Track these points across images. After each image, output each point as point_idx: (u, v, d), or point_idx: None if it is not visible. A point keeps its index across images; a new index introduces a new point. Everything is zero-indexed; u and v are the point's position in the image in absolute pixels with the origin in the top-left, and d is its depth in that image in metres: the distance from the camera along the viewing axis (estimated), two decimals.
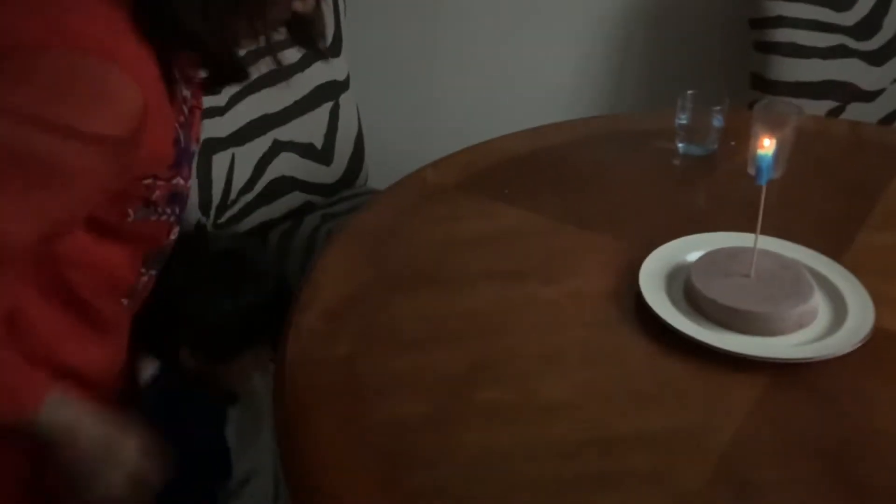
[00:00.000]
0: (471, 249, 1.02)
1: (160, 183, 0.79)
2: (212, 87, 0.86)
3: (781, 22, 1.60)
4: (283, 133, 1.52)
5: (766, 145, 0.82)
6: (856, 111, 1.62)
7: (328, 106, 1.60)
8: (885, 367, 0.82)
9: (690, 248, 0.95)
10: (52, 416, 0.74)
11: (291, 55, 1.54)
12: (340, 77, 1.64)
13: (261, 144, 1.50)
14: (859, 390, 0.80)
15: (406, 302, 0.92)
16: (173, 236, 0.87)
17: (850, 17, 1.60)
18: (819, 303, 0.87)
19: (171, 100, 0.78)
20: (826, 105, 1.62)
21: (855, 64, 1.61)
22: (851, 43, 1.60)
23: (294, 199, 1.57)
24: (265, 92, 1.50)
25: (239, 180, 1.46)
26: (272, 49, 0.80)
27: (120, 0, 0.71)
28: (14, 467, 0.81)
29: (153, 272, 0.89)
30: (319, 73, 1.59)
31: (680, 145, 1.25)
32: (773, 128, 1.12)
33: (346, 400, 0.78)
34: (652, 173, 1.22)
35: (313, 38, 0.86)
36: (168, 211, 0.82)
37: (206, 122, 1.39)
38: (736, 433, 0.74)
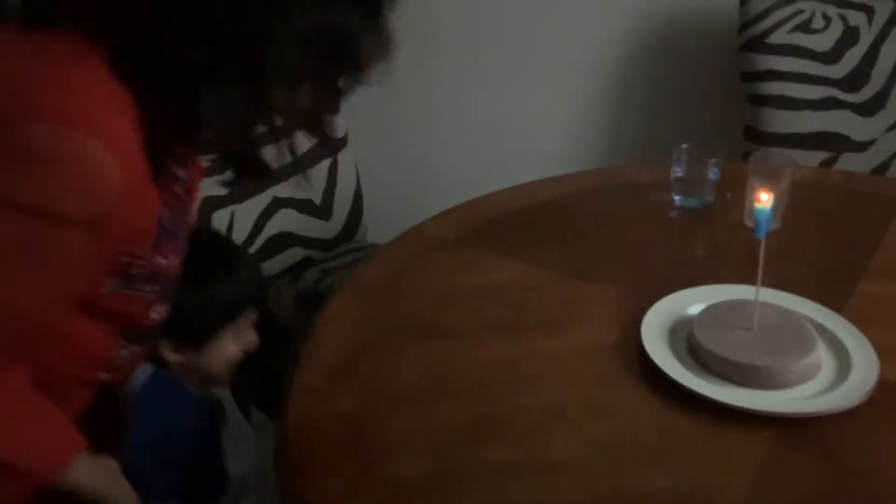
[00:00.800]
0: (473, 302, 1.02)
1: (138, 261, 0.77)
2: (234, 182, 0.85)
3: (772, 75, 1.63)
4: (282, 190, 1.53)
5: (764, 199, 0.83)
6: (848, 161, 1.64)
7: (327, 163, 1.62)
8: (892, 419, 0.82)
9: (691, 301, 0.95)
10: (78, 476, 0.77)
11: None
12: (339, 134, 1.66)
13: (260, 201, 1.51)
14: (868, 444, 0.79)
15: (409, 356, 0.91)
16: (156, 315, 0.84)
17: (838, 70, 1.63)
18: (823, 355, 0.87)
19: (157, 177, 0.75)
20: (819, 156, 1.64)
21: (846, 115, 1.63)
22: (841, 95, 1.63)
23: (294, 254, 1.57)
24: (264, 150, 1.52)
25: (238, 237, 1.46)
26: (290, 141, 0.81)
27: (110, 78, 0.69)
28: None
29: (137, 348, 0.87)
30: None
31: (676, 198, 1.26)
32: (768, 180, 1.13)
33: (350, 459, 0.77)
34: (650, 225, 1.23)
35: (326, 131, 0.87)
36: (146, 290, 0.80)
37: (205, 180, 1.40)
38: (748, 491, 0.73)
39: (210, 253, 0.99)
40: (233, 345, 1.01)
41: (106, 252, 0.73)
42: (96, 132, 0.67)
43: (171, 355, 0.98)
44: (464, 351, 0.92)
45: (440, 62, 1.94)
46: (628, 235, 1.20)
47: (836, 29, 1.63)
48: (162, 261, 0.80)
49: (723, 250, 1.16)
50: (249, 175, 0.82)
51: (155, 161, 0.73)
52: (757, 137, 1.66)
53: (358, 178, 1.69)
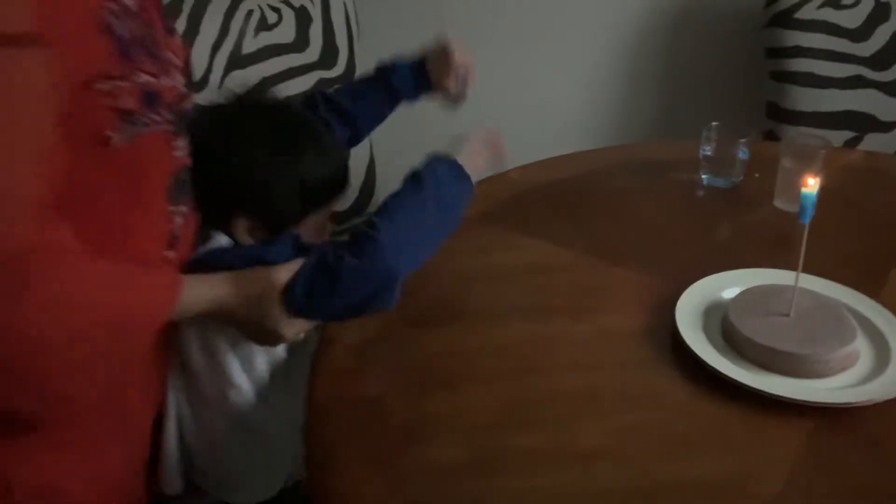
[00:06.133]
0: (497, 284, 0.99)
1: (121, 84, 0.68)
2: None
3: (798, 52, 1.59)
4: None
5: (812, 184, 0.80)
6: (874, 142, 1.61)
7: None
8: None
9: (726, 285, 0.93)
10: (194, 302, 0.76)
11: (306, 82, 1.53)
12: None
13: None
14: None
15: (434, 339, 0.89)
16: (179, 152, 0.77)
17: (867, 48, 1.59)
18: (861, 344, 0.85)
19: None
20: (844, 135, 1.61)
21: (873, 94, 1.60)
22: (868, 74, 1.59)
23: None
24: None
25: None
26: None
27: None
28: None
29: (184, 208, 0.80)
30: None
31: (704, 177, 1.23)
32: (801, 161, 1.10)
33: (378, 443, 0.75)
34: (676, 205, 1.20)
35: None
36: (154, 118, 0.72)
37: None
38: (786, 481, 0.71)
39: (295, 128, 0.89)
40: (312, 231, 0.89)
41: (66, 74, 0.65)
42: None
43: (244, 237, 0.87)
44: (491, 334, 0.90)
45: (456, 33, 1.90)
46: (655, 214, 1.17)
47: (867, 5, 1.59)
48: (149, 78, 0.72)
49: (753, 232, 1.13)
50: None
51: None
52: (780, 115, 1.63)
53: (371, 150, 1.66)
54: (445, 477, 0.72)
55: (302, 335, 0.84)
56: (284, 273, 0.80)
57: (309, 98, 1.08)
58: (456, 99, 1.11)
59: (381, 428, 0.76)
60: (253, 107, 0.91)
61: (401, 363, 0.85)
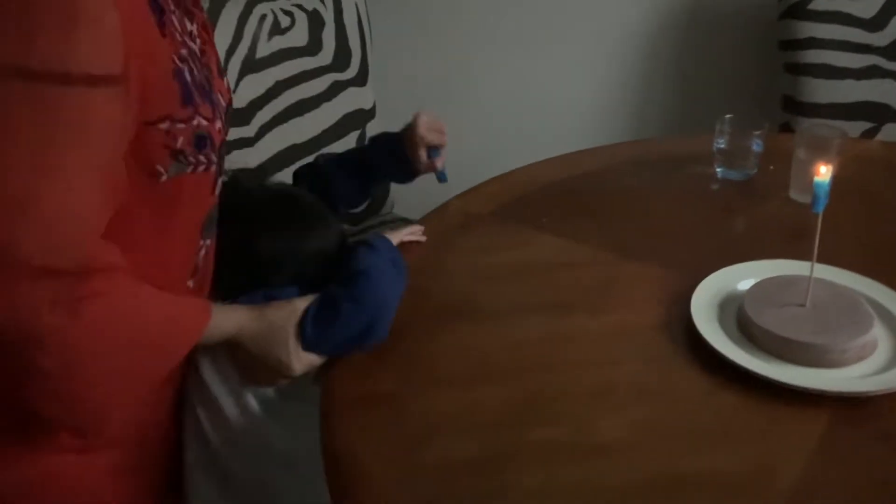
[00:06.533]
0: (512, 280, 1.00)
1: (179, 126, 0.73)
2: None
3: (813, 43, 1.58)
4: None
5: (823, 172, 0.79)
6: (891, 132, 1.59)
7: (355, 135, 1.60)
8: None
9: (741, 277, 0.93)
10: (219, 327, 0.80)
11: (319, 85, 1.54)
12: (367, 106, 1.63)
13: (287, 176, 1.48)
14: None
15: (449, 336, 0.89)
16: (216, 191, 0.82)
17: (882, 38, 1.58)
18: (878, 333, 0.84)
19: (161, 29, 0.72)
20: (860, 126, 1.60)
21: (889, 84, 1.58)
22: (885, 63, 1.58)
23: None
24: (293, 122, 1.50)
25: None
26: None
27: None
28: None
29: (209, 242, 0.84)
30: (346, 102, 1.58)
31: (718, 170, 1.22)
32: (816, 152, 1.10)
33: (394, 439, 0.76)
34: (691, 199, 1.20)
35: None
36: (201, 159, 0.76)
37: (236, 152, 1.38)
38: (803, 471, 0.71)
39: (290, 205, 0.95)
40: None
41: (136, 115, 0.69)
42: None
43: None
44: (505, 331, 0.90)
45: (467, 34, 1.91)
46: (669, 209, 1.17)
47: None
48: (203, 121, 0.76)
49: (768, 224, 1.12)
50: None
51: (156, 8, 0.71)
52: (796, 108, 1.62)
53: None
54: (463, 472, 0.72)
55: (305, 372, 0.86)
56: (302, 303, 0.85)
57: (309, 168, 1.11)
58: (431, 171, 1.08)
59: (397, 425, 0.77)
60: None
61: (416, 360, 0.86)
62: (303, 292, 0.88)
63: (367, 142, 1.12)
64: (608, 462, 0.73)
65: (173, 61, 0.73)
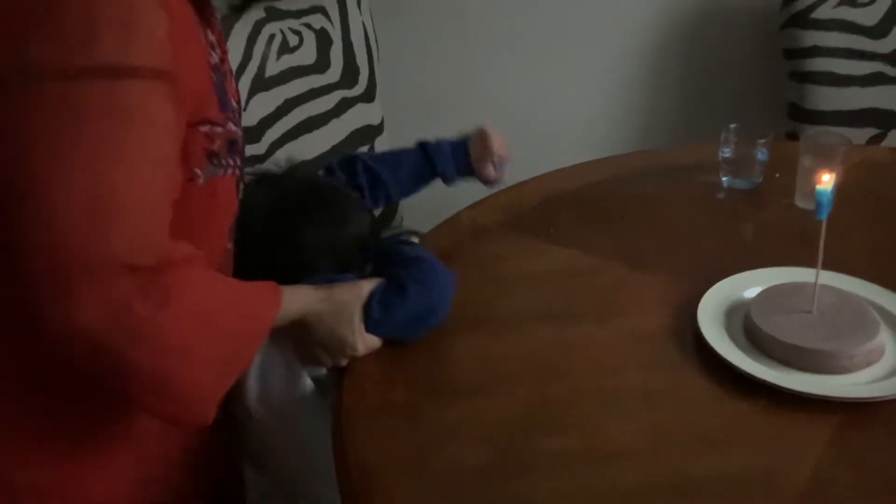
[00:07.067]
0: (521, 290, 1.01)
1: (217, 130, 0.75)
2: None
3: (817, 52, 1.59)
4: None
5: (826, 180, 0.80)
6: None
7: (364, 150, 1.61)
8: None
9: (747, 285, 0.93)
10: (288, 308, 0.81)
11: (328, 102, 1.56)
12: (375, 122, 1.65)
13: None
14: None
15: (459, 345, 0.91)
16: (241, 194, 0.84)
17: (886, 45, 1.59)
18: (886, 339, 0.85)
19: (204, 37, 0.75)
20: (866, 133, 1.60)
21: (894, 91, 1.59)
22: (889, 70, 1.59)
23: None
24: (303, 139, 1.52)
25: None
26: None
27: None
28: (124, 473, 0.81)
29: (230, 245, 0.86)
30: (355, 118, 1.60)
31: (724, 179, 1.23)
32: (820, 159, 1.10)
33: (407, 447, 0.77)
34: (698, 208, 1.21)
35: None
36: (231, 161, 0.79)
37: (247, 168, 1.40)
38: (812, 477, 0.72)
39: (325, 195, 1.00)
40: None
41: (184, 116, 0.71)
42: None
43: None
44: (515, 340, 0.91)
45: (474, 46, 1.93)
46: (676, 218, 1.18)
47: (884, 2, 1.59)
48: (233, 126, 0.79)
49: (774, 232, 1.13)
50: None
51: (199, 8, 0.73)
52: (802, 115, 1.63)
53: None
54: (475, 480, 0.73)
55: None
56: (368, 285, 0.88)
57: (349, 161, 1.16)
58: (493, 182, 1.18)
59: (409, 433, 0.78)
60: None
61: (428, 369, 0.87)
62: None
63: (416, 145, 1.17)
64: (619, 468, 0.74)
65: (208, 68, 0.76)
